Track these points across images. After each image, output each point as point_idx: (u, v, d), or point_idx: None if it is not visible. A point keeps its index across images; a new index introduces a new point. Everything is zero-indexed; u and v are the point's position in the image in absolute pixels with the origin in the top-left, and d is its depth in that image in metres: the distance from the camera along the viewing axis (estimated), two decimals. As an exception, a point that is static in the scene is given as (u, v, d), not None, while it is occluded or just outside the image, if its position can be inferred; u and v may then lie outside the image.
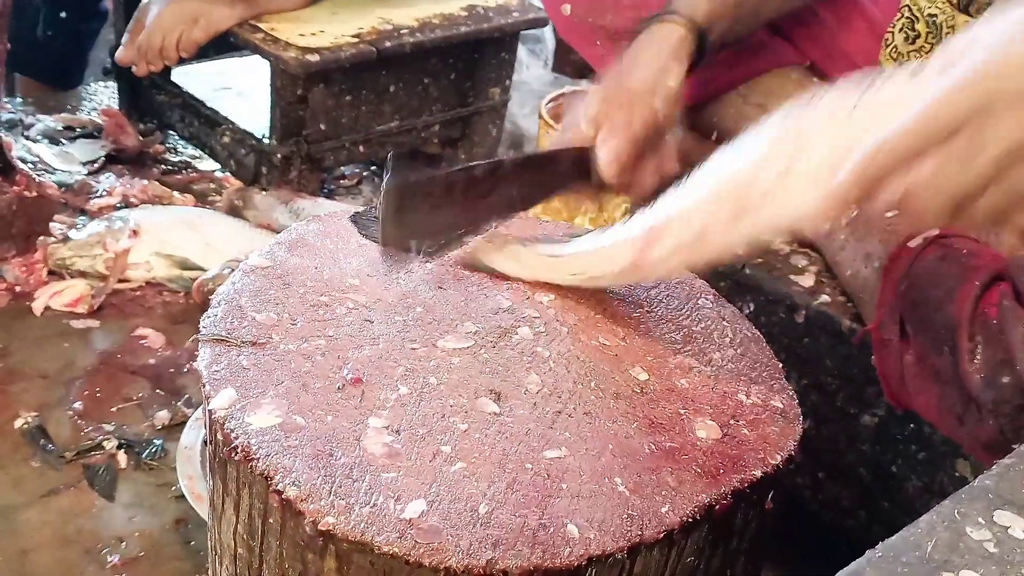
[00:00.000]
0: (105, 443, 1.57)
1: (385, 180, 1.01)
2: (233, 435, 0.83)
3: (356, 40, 2.05)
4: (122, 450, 1.57)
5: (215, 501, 0.90)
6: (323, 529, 0.77)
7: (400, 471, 0.82)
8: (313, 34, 2.05)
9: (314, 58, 1.98)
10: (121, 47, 2.14)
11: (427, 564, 0.76)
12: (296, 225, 1.09)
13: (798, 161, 0.88)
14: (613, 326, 1.01)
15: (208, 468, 0.91)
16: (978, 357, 1.11)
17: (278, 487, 0.80)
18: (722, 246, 0.93)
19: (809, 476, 1.44)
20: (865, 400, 1.38)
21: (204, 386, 0.88)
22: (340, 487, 0.80)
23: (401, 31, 2.11)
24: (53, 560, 1.39)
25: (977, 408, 1.11)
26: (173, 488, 1.52)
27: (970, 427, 1.13)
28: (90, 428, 1.60)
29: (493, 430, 0.87)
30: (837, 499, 1.44)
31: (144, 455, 1.57)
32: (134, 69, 2.14)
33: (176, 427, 1.62)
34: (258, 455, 0.82)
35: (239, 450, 0.82)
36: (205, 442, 0.92)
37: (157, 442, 1.59)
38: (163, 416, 1.63)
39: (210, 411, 0.86)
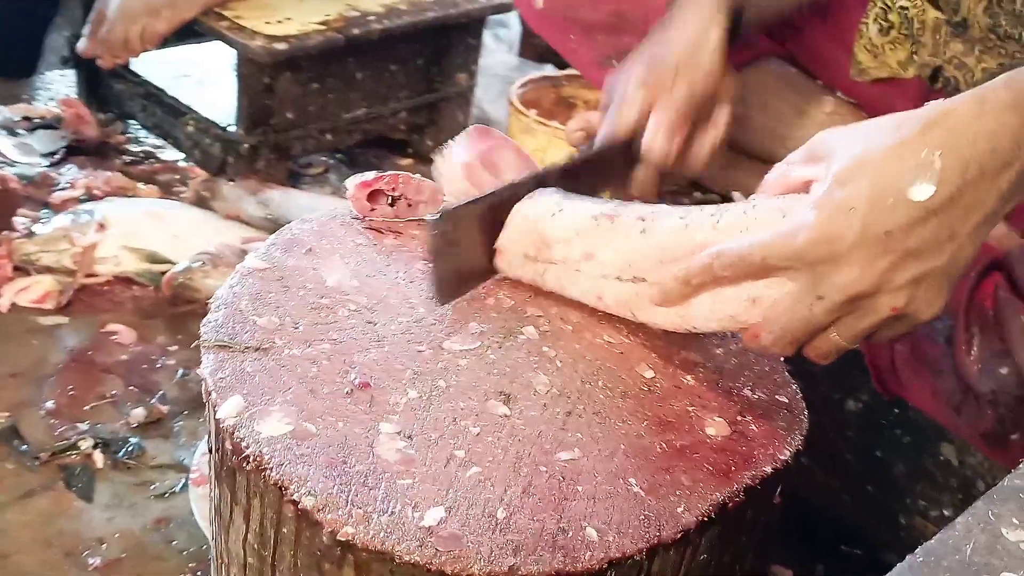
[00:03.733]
0: (81, 443, 1.54)
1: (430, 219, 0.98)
2: (243, 444, 0.82)
3: (323, 27, 2.03)
4: (98, 449, 1.54)
5: (222, 510, 0.89)
6: (342, 539, 0.77)
7: (416, 477, 0.81)
8: (279, 21, 2.02)
9: (282, 46, 1.95)
10: (83, 39, 2.10)
11: (449, 572, 0.75)
12: (290, 225, 1.08)
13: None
14: (616, 323, 1.01)
15: (214, 477, 0.90)
16: (975, 348, 1.12)
17: (294, 497, 0.79)
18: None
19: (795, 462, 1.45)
20: (849, 386, 1.39)
21: (210, 394, 0.86)
22: (357, 496, 0.79)
23: (368, 17, 2.09)
24: (35, 563, 1.37)
25: (975, 398, 1.12)
26: (152, 487, 1.50)
27: (968, 417, 1.14)
28: (64, 427, 1.58)
29: (505, 433, 0.86)
30: (823, 485, 1.45)
31: (121, 454, 1.54)
32: (99, 62, 2.10)
33: (151, 425, 1.60)
34: (271, 464, 0.80)
35: (251, 459, 0.81)
36: (210, 449, 0.90)
37: (133, 440, 1.57)
38: (139, 414, 1.61)
39: (218, 419, 0.84)
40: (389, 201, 1.09)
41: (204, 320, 0.93)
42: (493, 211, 1.02)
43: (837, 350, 0.88)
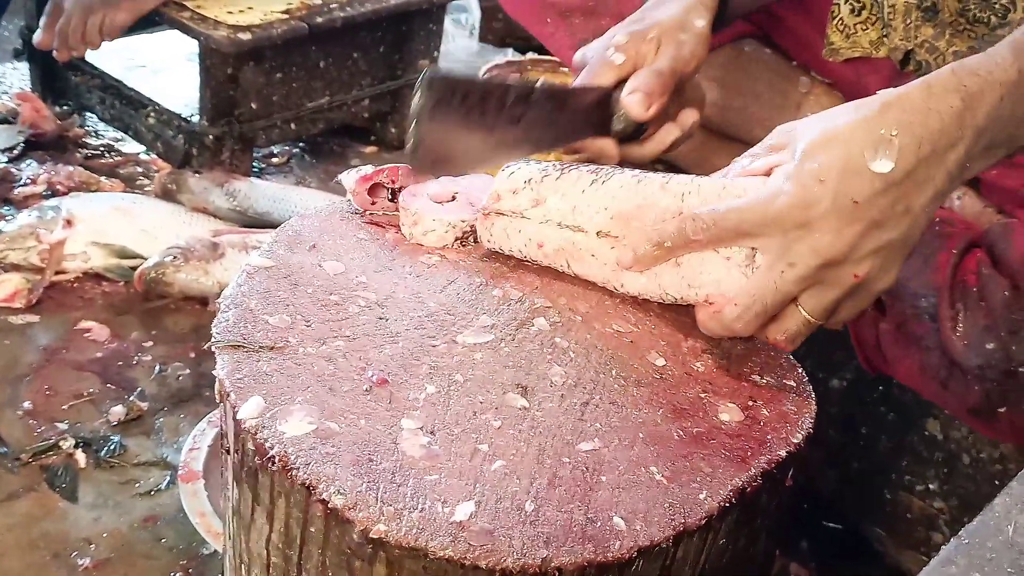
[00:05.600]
0: (61, 443, 1.53)
1: (423, 78, 0.98)
2: (267, 445, 0.82)
3: (286, 16, 2.01)
4: (80, 449, 1.53)
5: (242, 511, 0.88)
6: (374, 537, 0.77)
7: (442, 473, 0.81)
8: (241, 11, 2.01)
9: (246, 36, 1.94)
10: (39, 30, 2.06)
11: (483, 566, 0.76)
12: (291, 221, 1.07)
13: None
14: (624, 312, 1.01)
15: (232, 478, 0.90)
16: (961, 324, 1.14)
17: (322, 496, 0.78)
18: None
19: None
20: (833, 365, 1.41)
21: (228, 395, 0.86)
22: (386, 493, 0.79)
23: (331, 5, 2.08)
24: (22, 566, 1.36)
25: (962, 373, 1.15)
26: (137, 486, 1.49)
27: (955, 392, 1.16)
28: (43, 428, 1.56)
29: (526, 425, 0.87)
30: (807, 460, 1.47)
31: (103, 453, 1.53)
32: (55, 54, 2.07)
33: (132, 422, 1.59)
34: (297, 464, 0.80)
35: (276, 460, 0.81)
36: (227, 450, 0.90)
37: (115, 439, 1.55)
38: (118, 412, 1.59)
39: (238, 420, 0.84)
40: (389, 195, 1.09)
41: (215, 321, 0.92)
42: (482, 99, 1.03)
43: (804, 328, 0.93)
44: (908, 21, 1.34)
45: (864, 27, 1.40)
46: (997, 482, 1.28)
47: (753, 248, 0.91)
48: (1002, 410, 1.13)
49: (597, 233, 0.99)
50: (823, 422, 1.43)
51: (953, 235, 1.19)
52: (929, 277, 1.17)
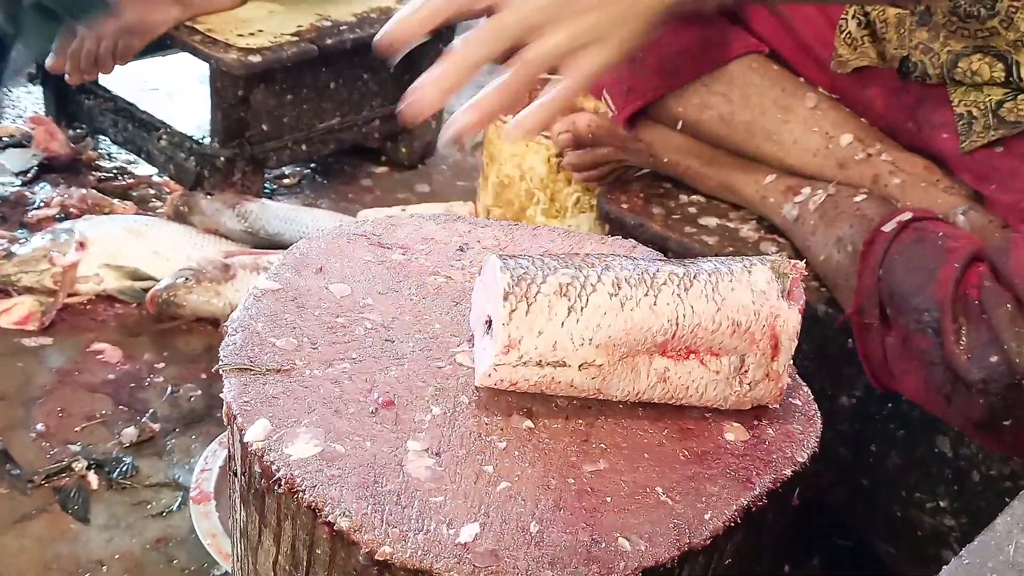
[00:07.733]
0: (74, 464, 1.54)
1: None
2: (274, 467, 0.82)
3: (296, 38, 2.03)
4: (92, 470, 1.54)
5: (249, 533, 0.89)
6: (380, 559, 0.77)
7: (447, 494, 0.82)
8: (252, 34, 2.02)
9: (256, 59, 1.96)
10: (51, 54, 2.08)
11: (488, 587, 0.76)
12: (298, 244, 1.08)
13: None
14: (628, 332, 1.02)
15: (239, 500, 0.90)
16: (964, 338, 1.14)
17: (328, 519, 0.79)
18: None
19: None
20: (842, 381, 1.41)
21: (235, 418, 0.86)
22: (391, 515, 0.79)
23: (340, 27, 2.09)
24: (35, 587, 1.37)
25: (966, 387, 1.14)
26: (149, 507, 1.50)
27: (959, 406, 1.16)
28: (56, 449, 1.58)
29: (531, 447, 0.87)
30: (816, 477, 1.47)
31: (115, 474, 1.54)
32: (67, 78, 2.08)
33: (144, 444, 1.60)
34: (303, 487, 0.81)
35: (282, 482, 0.81)
36: (234, 472, 0.90)
37: (127, 460, 1.56)
38: (130, 433, 1.61)
39: (245, 443, 0.85)
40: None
41: (223, 344, 0.93)
42: None
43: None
44: (902, 30, 1.36)
45: (871, 39, 1.42)
46: (1007, 499, 1.27)
47: (743, 359, 0.91)
48: (1007, 423, 1.13)
49: (580, 366, 0.89)
50: (833, 439, 1.44)
51: (956, 249, 1.19)
52: (932, 291, 1.17)
